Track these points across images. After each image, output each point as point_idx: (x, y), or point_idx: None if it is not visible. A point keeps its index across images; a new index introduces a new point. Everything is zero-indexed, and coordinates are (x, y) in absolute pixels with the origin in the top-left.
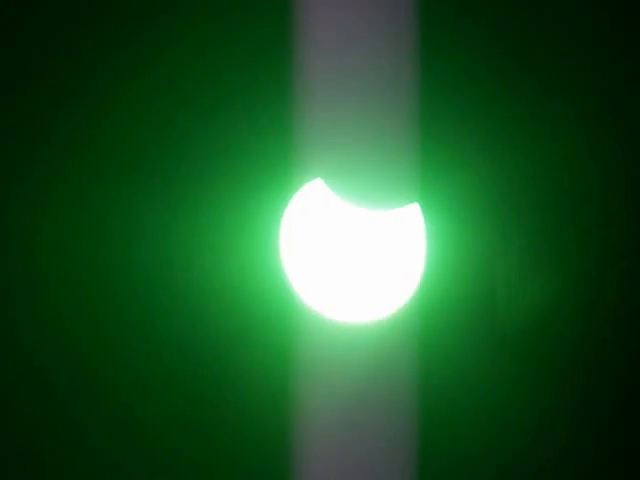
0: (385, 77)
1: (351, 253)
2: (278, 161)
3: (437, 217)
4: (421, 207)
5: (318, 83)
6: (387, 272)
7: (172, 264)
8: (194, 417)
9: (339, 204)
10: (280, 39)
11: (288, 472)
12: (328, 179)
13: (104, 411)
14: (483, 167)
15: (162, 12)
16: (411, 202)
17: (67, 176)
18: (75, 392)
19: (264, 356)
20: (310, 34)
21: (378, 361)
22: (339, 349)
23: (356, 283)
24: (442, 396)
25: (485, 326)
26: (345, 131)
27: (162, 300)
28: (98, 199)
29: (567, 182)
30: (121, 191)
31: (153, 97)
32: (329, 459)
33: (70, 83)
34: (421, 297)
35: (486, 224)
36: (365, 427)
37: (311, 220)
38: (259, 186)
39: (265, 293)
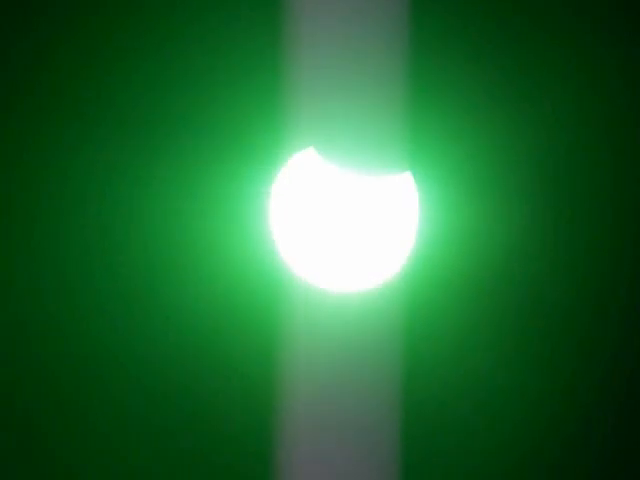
0: (375, 41)
1: (342, 221)
2: (269, 129)
3: (429, 185)
4: (414, 175)
5: (308, 49)
6: (378, 241)
7: (159, 232)
8: (183, 376)
9: (330, 172)
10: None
11: (273, 433)
12: (320, 147)
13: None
14: (477, 134)
15: None
16: (403, 170)
17: (39, 140)
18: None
19: (253, 325)
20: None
21: (366, 331)
22: (328, 318)
23: (347, 252)
24: (428, 368)
25: (478, 299)
26: (336, 99)
27: (148, 269)
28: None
29: (566, 146)
30: (112, 156)
31: (139, 59)
32: (314, 424)
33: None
34: (412, 268)
35: (480, 193)
36: (350, 396)
37: (302, 188)
38: (249, 155)
39: (254, 262)
